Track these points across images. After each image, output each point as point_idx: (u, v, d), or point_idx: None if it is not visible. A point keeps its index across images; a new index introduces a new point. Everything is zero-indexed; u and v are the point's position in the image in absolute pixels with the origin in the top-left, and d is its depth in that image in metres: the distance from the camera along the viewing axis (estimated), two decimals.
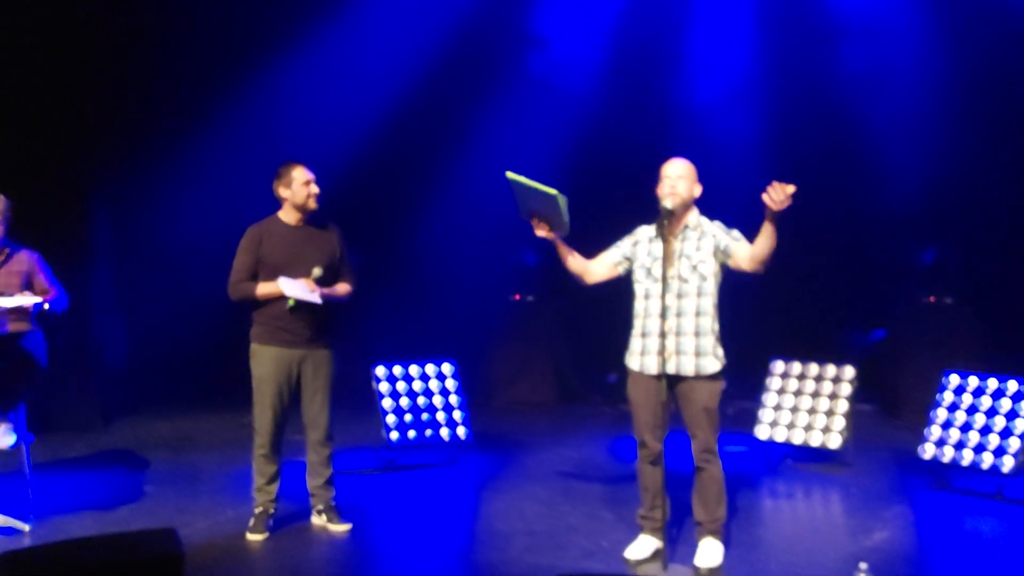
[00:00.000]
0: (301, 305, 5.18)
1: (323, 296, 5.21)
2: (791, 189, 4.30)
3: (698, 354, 4.72)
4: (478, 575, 4.90)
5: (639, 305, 4.88)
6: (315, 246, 5.37)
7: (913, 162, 8.84)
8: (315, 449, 5.48)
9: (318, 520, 5.53)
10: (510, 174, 4.68)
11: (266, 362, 5.30)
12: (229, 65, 9.03)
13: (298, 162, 5.40)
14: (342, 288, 5.44)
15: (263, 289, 5.24)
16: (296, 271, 5.22)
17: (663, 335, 4.61)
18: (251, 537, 5.32)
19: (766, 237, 4.51)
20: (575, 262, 4.94)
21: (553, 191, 4.58)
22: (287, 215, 5.40)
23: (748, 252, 4.66)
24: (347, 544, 5.29)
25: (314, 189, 5.35)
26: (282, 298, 5.20)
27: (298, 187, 5.32)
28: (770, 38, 9.30)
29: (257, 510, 5.41)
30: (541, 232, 4.78)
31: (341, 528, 5.45)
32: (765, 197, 4.36)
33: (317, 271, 5.24)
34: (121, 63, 8.66)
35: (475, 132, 9.85)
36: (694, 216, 4.84)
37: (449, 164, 9.94)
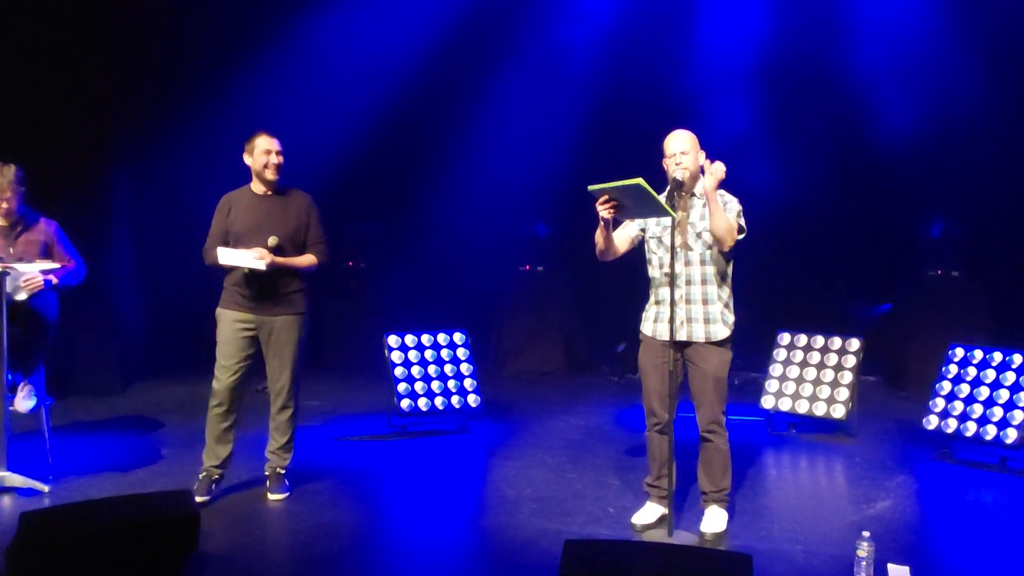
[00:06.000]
0: (253, 271, 5.25)
1: (273, 265, 5.20)
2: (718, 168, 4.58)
3: (707, 321, 4.80)
4: (487, 539, 4.99)
5: (654, 273, 4.95)
6: (279, 216, 5.37)
7: (920, 134, 8.81)
8: (272, 415, 5.56)
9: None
10: (591, 187, 4.51)
11: (226, 325, 5.37)
12: (247, 32, 9.04)
13: (264, 131, 5.40)
14: (305, 259, 5.42)
15: (222, 256, 5.25)
16: (257, 240, 5.26)
17: (674, 303, 4.69)
18: (198, 499, 5.30)
19: (713, 213, 4.64)
20: (607, 239, 4.81)
21: (632, 180, 4.37)
22: (255, 185, 5.44)
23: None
24: (359, 508, 5.40)
25: (274, 159, 5.34)
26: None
27: (258, 155, 5.34)
28: (780, 12, 9.26)
29: (201, 475, 5.48)
30: (604, 210, 4.58)
31: (275, 497, 5.48)
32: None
33: (273, 240, 5.26)
34: (140, 30, 8.66)
35: (489, 103, 9.85)
36: (700, 185, 4.87)
37: (462, 135, 9.96)
